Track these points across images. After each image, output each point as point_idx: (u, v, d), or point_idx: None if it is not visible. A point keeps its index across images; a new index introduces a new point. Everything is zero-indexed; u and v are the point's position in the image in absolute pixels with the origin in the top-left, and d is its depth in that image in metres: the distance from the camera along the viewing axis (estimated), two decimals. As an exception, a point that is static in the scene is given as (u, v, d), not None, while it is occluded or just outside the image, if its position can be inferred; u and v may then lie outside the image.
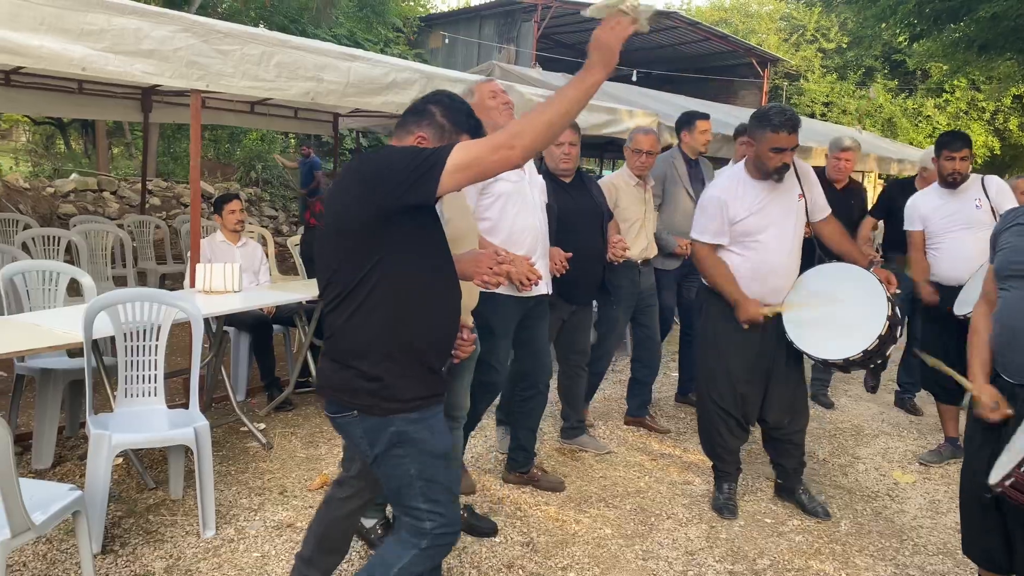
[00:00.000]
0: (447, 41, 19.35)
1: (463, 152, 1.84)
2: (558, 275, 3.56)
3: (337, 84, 5.18)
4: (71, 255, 5.98)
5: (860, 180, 5.98)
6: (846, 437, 4.88)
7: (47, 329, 3.37)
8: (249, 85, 4.70)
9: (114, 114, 9.91)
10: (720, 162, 6.62)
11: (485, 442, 4.37)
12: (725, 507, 3.63)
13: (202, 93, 4.55)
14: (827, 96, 24.87)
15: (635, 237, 4.45)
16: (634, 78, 15.07)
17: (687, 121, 5.03)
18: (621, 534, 3.39)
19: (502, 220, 3.29)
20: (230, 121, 8.90)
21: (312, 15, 13.18)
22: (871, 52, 24.05)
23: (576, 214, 3.84)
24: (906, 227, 4.57)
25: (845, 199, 5.19)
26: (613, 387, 5.55)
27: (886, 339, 3.20)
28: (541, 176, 3.61)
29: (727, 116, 10.23)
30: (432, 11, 23.80)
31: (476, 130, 2.19)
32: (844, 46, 25.23)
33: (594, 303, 4.37)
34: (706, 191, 3.62)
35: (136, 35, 4.12)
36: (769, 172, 3.39)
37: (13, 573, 2.83)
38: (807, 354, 3.40)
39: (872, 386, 5.93)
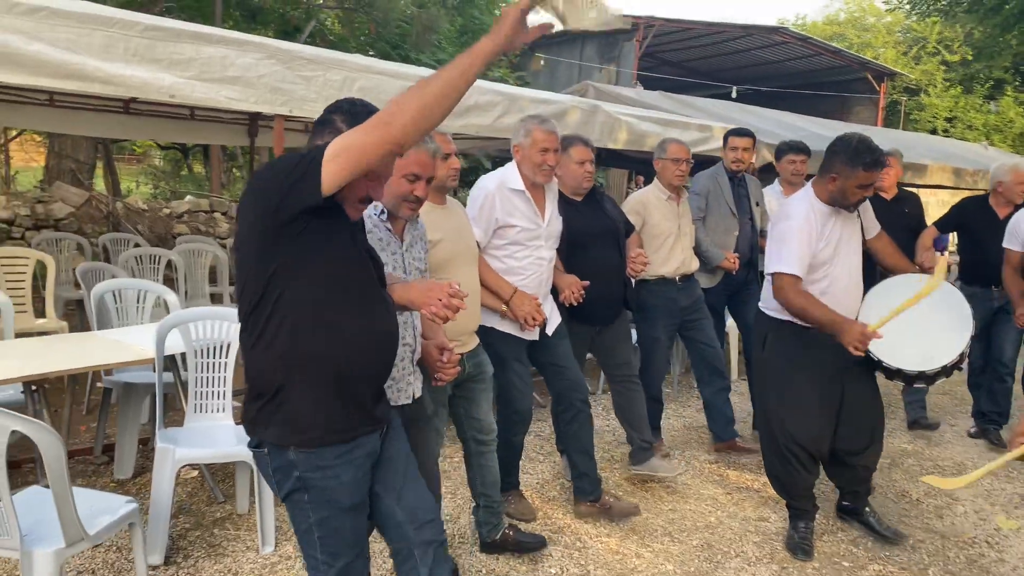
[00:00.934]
0: (546, 64, 19.45)
1: (340, 139, 1.73)
2: (574, 304, 3.50)
3: (418, 107, 5.26)
4: (174, 273, 6.28)
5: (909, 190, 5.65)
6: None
7: (127, 345, 3.52)
8: (330, 109, 4.82)
9: (223, 139, 10.42)
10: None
11: (552, 468, 4.27)
12: (799, 547, 3.42)
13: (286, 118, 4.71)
14: (951, 111, 23.54)
15: (669, 252, 4.29)
16: (734, 95, 14.69)
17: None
18: (684, 571, 3.23)
19: (508, 260, 3.34)
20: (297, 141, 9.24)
21: (413, 41, 13.52)
22: (999, 63, 22.61)
23: (589, 233, 3.73)
24: (1005, 244, 4.50)
25: (897, 209, 5.00)
26: (696, 414, 5.34)
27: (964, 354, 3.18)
28: (557, 222, 3.53)
29: (835, 133, 9.81)
30: (535, 34, 23.98)
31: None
32: (969, 58, 23.82)
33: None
34: (788, 221, 3.33)
35: (222, 63, 4.29)
36: (849, 206, 3.33)
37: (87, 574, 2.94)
38: (892, 368, 3.27)
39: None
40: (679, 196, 4.41)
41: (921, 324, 3.19)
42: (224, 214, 12.24)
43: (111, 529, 2.52)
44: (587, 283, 3.51)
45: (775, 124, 10.31)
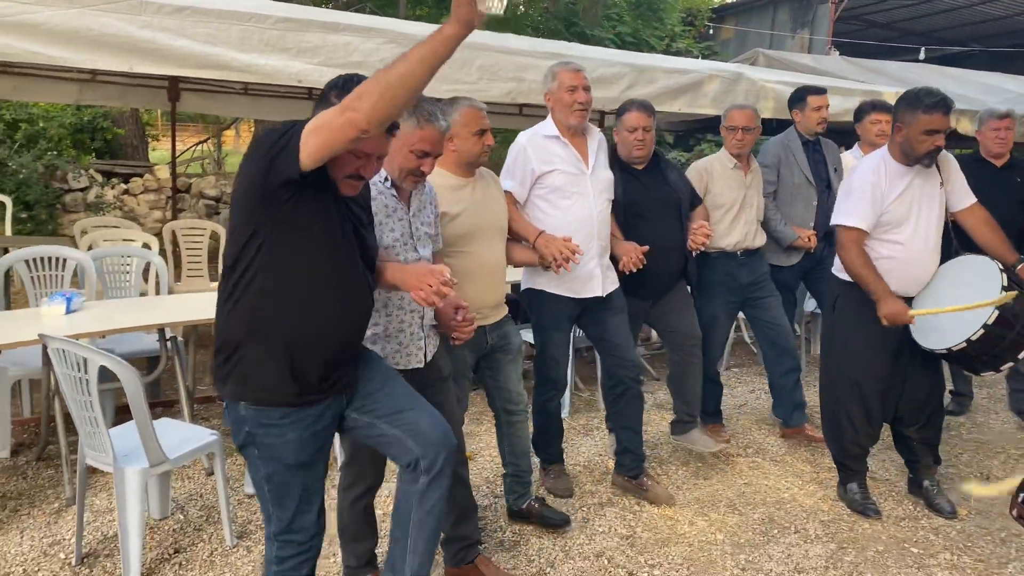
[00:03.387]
0: (735, 34, 18.68)
1: (315, 119, 1.80)
2: (632, 271, 3.36)
3: (539, 83, 5.32)
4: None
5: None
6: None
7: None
8: (449, 89, 5.05)
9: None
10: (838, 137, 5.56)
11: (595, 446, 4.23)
12: (866, 508, 3.45)
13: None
14: None
15: (731, 224, 4.03)
16: (921, 55, 13.28)
17: (799, 98, 4.48)
18: (732, 541, 3.17)
19: (553, 211, 3.24)
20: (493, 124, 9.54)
21: (584, 16, 13.50)
22: None
23: (648, 203, 3.59)
24: None
25: (1008, 178, 4.34)
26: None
27: (995, 332, 2.92)
28: (607, 172, 3.43)
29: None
30: (725, 2, 23.06)
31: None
32: None
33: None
34: (856, 174, 3.26)
35: (346, 49, 4.67)
36: (919, 157, 3.12)
37: (191, 500, 3.42)
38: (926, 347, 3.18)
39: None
40: (747, 165, 4.13)
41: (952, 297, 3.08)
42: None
43: (191, 455, 2.93)
44: (646, 248, 3.38)
45: (979, 88, 9.29)
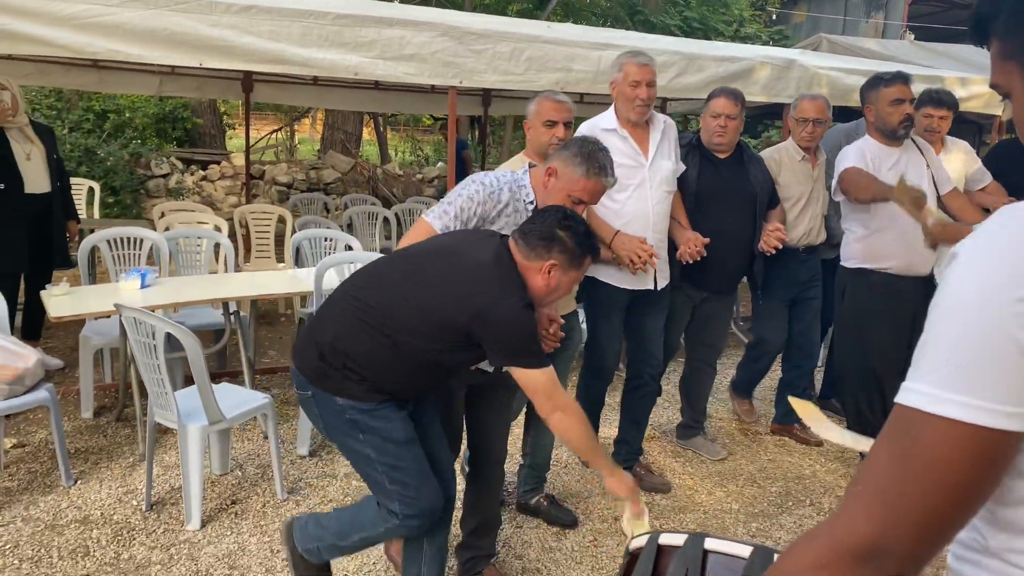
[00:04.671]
0: (807, 16, 18.30)
1: (529, 377, 2.12)
2: (689, 261, 3.34)
3: (587, 73, 5.51)
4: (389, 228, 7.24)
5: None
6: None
7: (301, 280, 4.31)
8: (499, 79, 5.28)
9: (466, 110, 11.39)
10: None
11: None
12: None
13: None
14: None
15: (796, 218, 3.94)
16: None
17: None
18: (747, 511, 3.33)
19: (609, 203, 3.21)
20: (521, 111, 9.75)
21: (650, 4, 13.51)
22: None
23: (721, 194, 3.52)
24: None
25: None
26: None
27: None
28: (668, 162, 3.34)
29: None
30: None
31: (596, 250, 2.28)
32: None
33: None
34: (844, 158, 3.48)
35: (400, 42, 4.92)
36: (895, 128, 3.35)
37: (249, 459, 3.74)
38: None
39: None
40: (815, 157, 4.01)
41: None
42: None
43: (246, 415, 3.24)
44: (708, 240, 3.33)
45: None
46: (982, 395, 0.72)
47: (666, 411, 4.50)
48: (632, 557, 1.25)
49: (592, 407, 3.53)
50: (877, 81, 3.45)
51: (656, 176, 3.28)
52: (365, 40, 4.83)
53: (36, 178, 4.64)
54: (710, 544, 1.16)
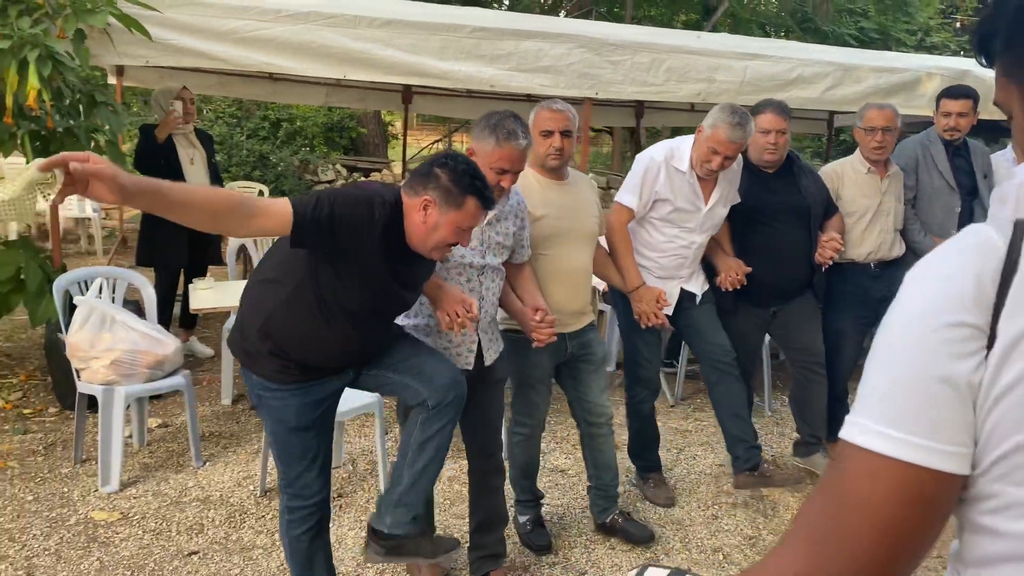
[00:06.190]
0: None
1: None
2: (729, 288, 3.33)
3: (731, 83, 5.33)
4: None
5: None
6: None
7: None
8: (636, 90, 5.21)
9: (619, 121, 11.32)
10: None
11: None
12: None
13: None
14: None
15: (863, 233, 3.67)
16: None
17: (937, 97, 4.02)
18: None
19: (653, 234, 3.26)
20: (678, 122, 9.60)
21: (817, 12, 12.83)
22: None
23: (771, 209, 3.42)
24: None
25: None
26: None
27: None
28: (723, 209, 3.34)
29: None
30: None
31: (482, 192, 2.15)
32: None
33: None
34: None
35: (537, 55, 4.96)
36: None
37: (362, 455, 3.88)
38: None
39: None
40: (884, 169, 3.75)
41: None
42: (605, 188, 13.27)
43: (353, 412, 3.37)
44: (749, 269, 3.33)
45: None
46: (904, 428, 0.67)
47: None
48: None
49: (644, 424, 3.47)
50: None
51: (708, 221, 3.29)
52: (502, 52, 4.90)
53: (197, 181, 5.04)
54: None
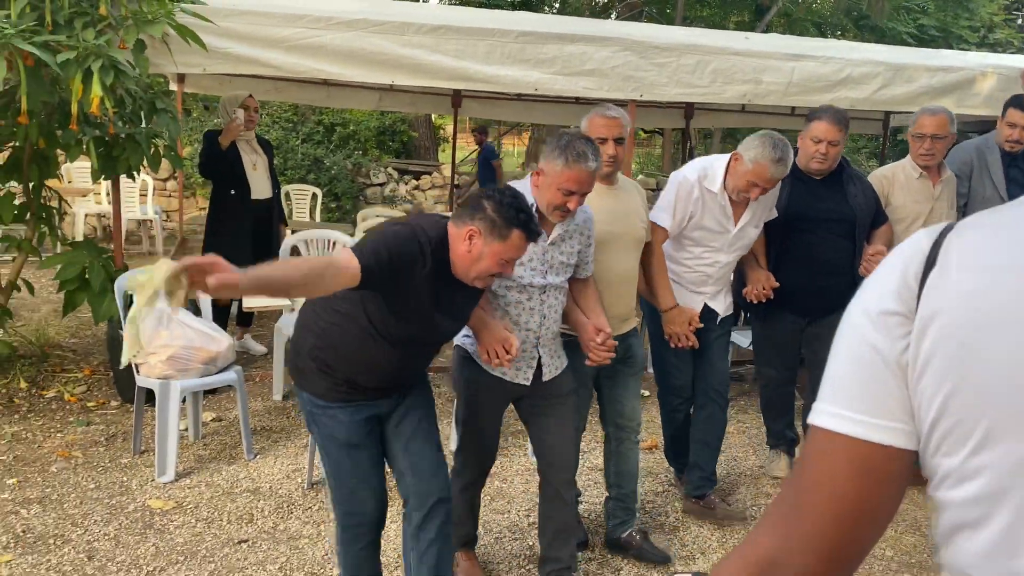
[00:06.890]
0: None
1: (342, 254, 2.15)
2: (755, 301, 3.35)
3: (778, 84, 5.28)
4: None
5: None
6: None
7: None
8: (681, 92, 5.20)
9: (669, 123, 11.28)
10: None
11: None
12: None
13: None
14: None
15: None
16: None
17: (1004, 106, 3.89)
18: (901, 560, 3.05)
19: (679, 251, 3.26)
20: (728, 123, 9.54)
21: (873, 8, 12.55)
22: None
23: (814, 217, 3.38)
24: None
25: None
26: None
27: None
28: (754, 230, 3.31)
29: None
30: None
31: (527, 225, 2.19)
32: None
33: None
34: None
35: (581, 58, 4.99)
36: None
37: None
38: None
39: None
40: (937, 175, 3.68)
41: None
42: (654, 190, 13.22)
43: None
44: (776, 284, 3.33)
45: None
46: (849, 406, 0.73)
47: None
48: None
49: (679, 429, 3.45)
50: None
51: (737, 242, 3.26)
52: (547, 56, 4.94)
53: (260, 185, 5.21)
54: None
